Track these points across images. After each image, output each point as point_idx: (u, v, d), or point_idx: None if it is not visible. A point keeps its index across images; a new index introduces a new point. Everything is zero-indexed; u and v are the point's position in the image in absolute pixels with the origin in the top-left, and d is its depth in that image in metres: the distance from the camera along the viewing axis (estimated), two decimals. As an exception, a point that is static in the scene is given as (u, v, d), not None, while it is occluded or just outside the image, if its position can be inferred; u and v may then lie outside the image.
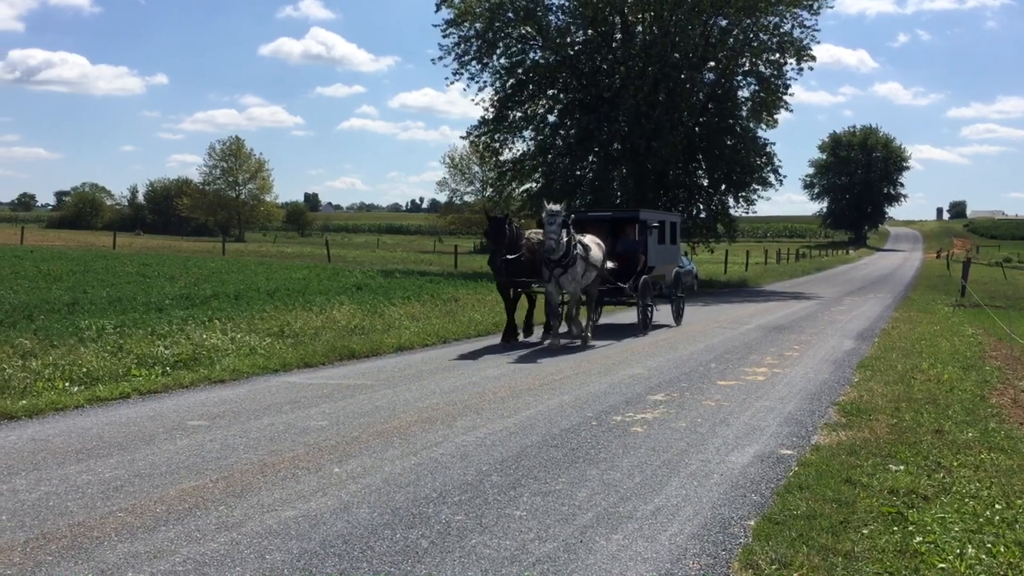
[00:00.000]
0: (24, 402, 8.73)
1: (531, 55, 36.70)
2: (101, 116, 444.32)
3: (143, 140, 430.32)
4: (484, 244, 14.58)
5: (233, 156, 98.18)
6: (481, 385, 10.61)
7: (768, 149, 36.77)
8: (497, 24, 35.23)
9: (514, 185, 38.88)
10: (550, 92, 37.48)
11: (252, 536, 5.21)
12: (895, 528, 5.52)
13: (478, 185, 75.57)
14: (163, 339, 12.45)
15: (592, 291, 15.89)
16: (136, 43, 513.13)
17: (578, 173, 36.51)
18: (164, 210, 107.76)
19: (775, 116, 37.27)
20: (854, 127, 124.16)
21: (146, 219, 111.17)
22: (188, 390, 9.97)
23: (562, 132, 37.07)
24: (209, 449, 7.23)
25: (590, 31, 36.02)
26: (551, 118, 37.73)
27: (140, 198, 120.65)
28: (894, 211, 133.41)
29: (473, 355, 13.35)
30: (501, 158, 38.59)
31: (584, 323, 15.57)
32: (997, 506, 5.99)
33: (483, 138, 37.47)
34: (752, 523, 5.63)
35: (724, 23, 35.64)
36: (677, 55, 33.87)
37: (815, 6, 35.36)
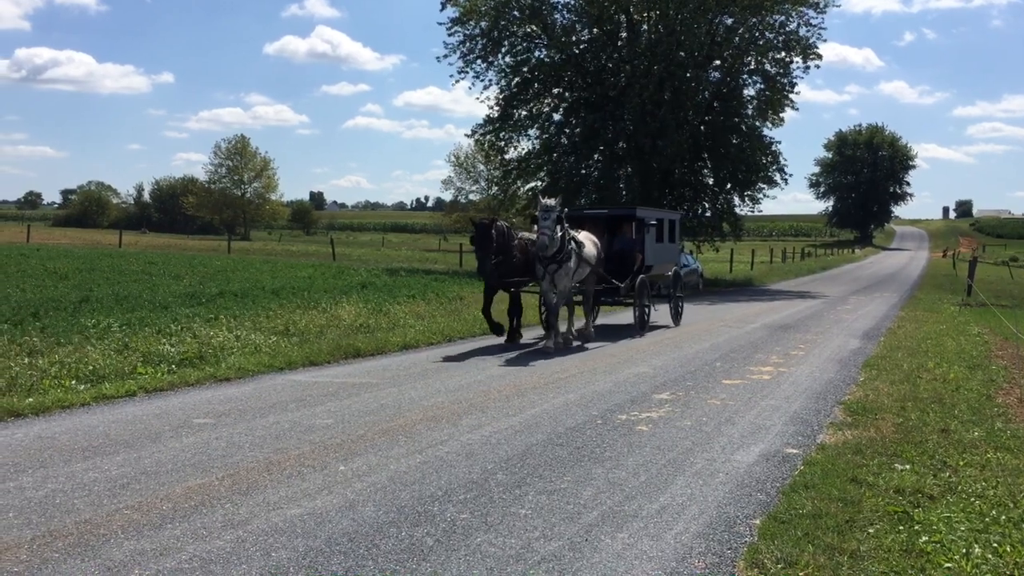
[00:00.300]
0: (31, 400, 8.75)
1: (536, 53, 36.65)
2: (107, 115, 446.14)
3: (149, 139, 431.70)
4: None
5: (239, 155, 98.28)
6: (486, 384, 10.61)
7: (774, 148, 36.69)
8: (502, 22, 35.19)
9: (519, 184, 38.83)
10: (555, 91, 37.45)
11: (258, 534, 5.22)
12: (901, 527, 5.51)
13: (483, 184, 75.42)
14: (169, 337, 12.47)
15: (588, 290, 15.63)
16: (142, 42, 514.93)
17: (583, 172, 36.43)
18: (170, 208, 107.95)
19: (781, 115, 37.21)
20: (860, 126, 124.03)
21: (152, 217, 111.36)
22: (194, 388, 9.99)
23: (567, 131, 37.02)
24: (215, 447, 7.24)
25: (595, 29, 35.97)
26: (556, 117, 37.70)
27: (146, 196, 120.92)
28: (900, 210, 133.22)
29: (478, 353, 13.36)
30: (506, 157, 38.58)
31: (571, 324, 15.25)
32: (1003, 505, 5.97)
33: (488, 137, 37.44)
34: (758, 522, 5.62)
35: (730, 21, 35.55)
36: (683, 53, 33.79)
37: (821, 4, 35.29)
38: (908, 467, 6.88)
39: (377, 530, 5.33)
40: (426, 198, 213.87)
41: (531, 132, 37.59)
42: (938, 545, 5.21)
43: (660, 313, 18.80)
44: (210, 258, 36.73)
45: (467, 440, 7.62)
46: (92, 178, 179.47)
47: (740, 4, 33.82)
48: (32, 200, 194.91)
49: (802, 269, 50.66)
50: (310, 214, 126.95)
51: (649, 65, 33.65)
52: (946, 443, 7.76)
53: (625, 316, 18.46)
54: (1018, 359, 13.43)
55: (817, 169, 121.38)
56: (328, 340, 13.33)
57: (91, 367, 10.33)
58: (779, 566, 4.87)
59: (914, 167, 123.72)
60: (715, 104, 36.27)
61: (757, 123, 37.26)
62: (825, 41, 58.09)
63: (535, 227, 14.28)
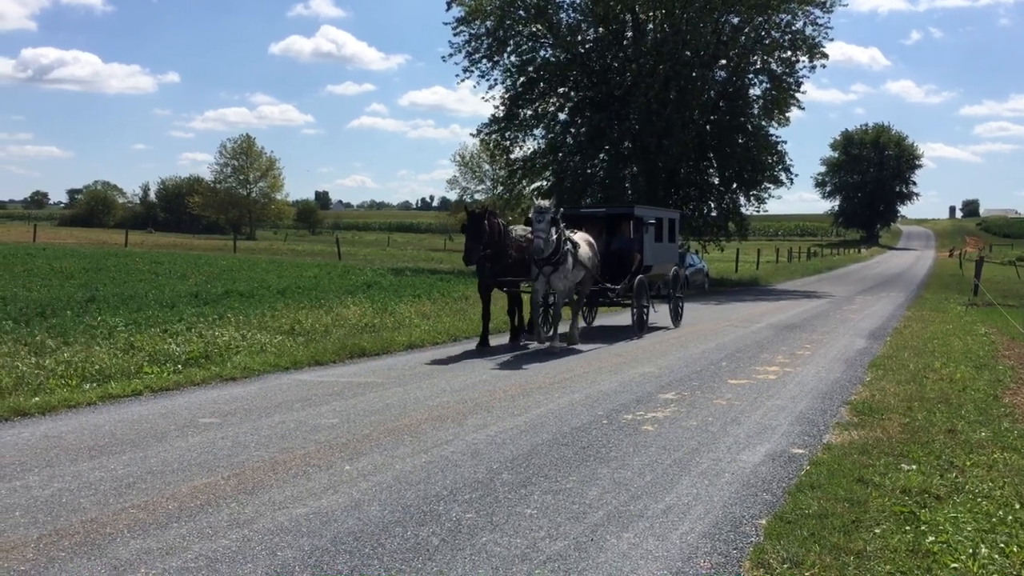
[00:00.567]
0: (37, 399, 8.77)
1: (542, 53, 36.68)
2: (113, 114, 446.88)
3: (155, 138, 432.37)
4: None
5: (244, 154, 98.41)
6: (491, 383, 10.61)
7: (779, 147, 36.67)
8: (508, 22, 35.20)
9: (524, 183, 38.86)
10: (561, 90, 37.47)
11: (263, 533, 5.23)
12: (907, 528, 5.50)
13: (488, 183, 75.46)
14: (175, 337, 12.50)
15: (583, 291, 15.23)
16: (148, 42, 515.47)
17: (589, 171, 36.41)
18: (176, 208, 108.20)
19: (787, 114, 37.18)
20: (866, 125, 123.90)
21: (158, 217, 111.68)
22: (199, 388, 10.00)
23: (573, 130, 37.03)
24: (221, 446, 7.25)
25: (601, 29, 35.97)
26: (562, 116, 37.72)
27: (152, 196, 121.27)
28: (906, 209, 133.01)
29: (483, 353, 13.36)
30: (511, 156, 38.62)
31: (571, 325, 14.89)
32: (1010, 506, 5.95)
33: (493, 136, 37.46)
34: (764, 522, 5.61)
35: (736, 21, 35.53)
36: (688, 53, 33.79)
37: (828, 4, 35.25)
38: (914, 467, 6.86)
39: (383, 529, 5.33)
40: (431, 198, 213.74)
41: (536, 132, 37.67)
42: (945, 545, 5.19)
43: (660, 314, 18.48)
44: (216, 258, 36.80)
45: (472, 440, 7.62)
46: (98, 178, 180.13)
47: (746, 3, 33.80)
48: (38, 200, 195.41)
49: (808, 269, 50.59)
50: (316, 214, 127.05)
51: (655, 64, 33.64)
52: (953, 443, 7.73)
53: (625, 317, 18.12)
54: (1025, 359, 13.38)
55: (823, 169, 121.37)
56: (334, 340, 13.34)
57: (97, 366, 10.35)
58: (785, 566, 4.86)
59: (920, 166, 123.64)
60: (721, 103, 36.24)
61: (763, 122, 37.23)
62: (832, 40, 57.81)
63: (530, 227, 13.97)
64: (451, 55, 36.37)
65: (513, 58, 36.40)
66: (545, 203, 13.75)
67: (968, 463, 7.05)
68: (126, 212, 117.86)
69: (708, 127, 35.98)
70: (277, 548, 5.00)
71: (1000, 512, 5.81)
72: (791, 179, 37.04)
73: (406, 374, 11.17)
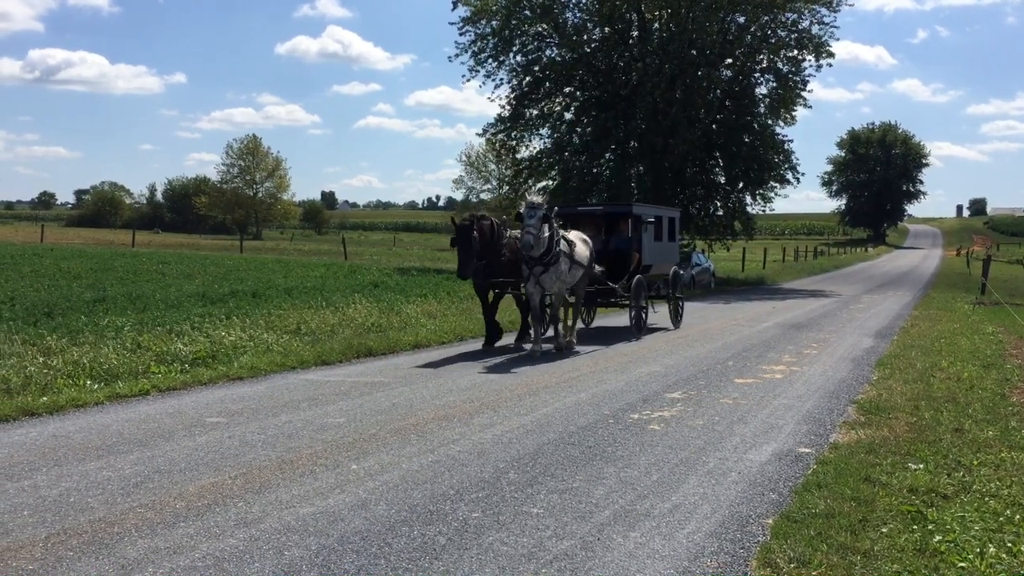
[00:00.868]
0: (45, 399, 8.81)
1: (547, 53, 36.68)
2: (120, 115, 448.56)
3: (161, 139, 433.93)
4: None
5: (250, 154, 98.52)
6: (498, 383, 10.62)
7: (786, 146, 36.59)
8: (513, 22, 35.18)
9: (531, 183, 38.87)
10: (567, 90, 37.46)
11: (271, 532, 5.24)
12: (915, 527, 5.49)
13: (495, 183, 75.40)
14: (182, 337, 12.53)
15: (579, 292, 14.68)
16: (154, 43, 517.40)
17: (595, 171, 36.40)
18: (182, 208, 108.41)
19: (793, 113, 37.10)
20: (873, 124, 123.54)
21: (164, 217, 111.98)
22: (206, 387, 10.02)
23: (579, 130, 37.02)
24: (228, 446, 7.27)
25: (607, 28, 35.96)
26: (568, 116, 37.70)
27: (159, 196, 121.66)
28: (913, 208, 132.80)
29: (489, 353, 13.37)
30: (517, 156, 38.65)
31: (569, 327, 14.41)
32: (1018, 505, 5.93)
33: (499, 136, 37.48)
34: (770, 521, 5.60)
35: (742, 20, 35.48)
36: (694, 52, 33.76)
37: (834, 3, 35.19)
38: (922, 466, 6.85)
39: (389, 529, 5.34)
40: (437, 197, 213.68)
41: (542, 131, 37.68)
42: (952, 544, 5.18)
43: (660, 315, 18.17)
44: (222, 258, 36.86)
45: (479, 439, 7.63)
46: (105, 178, 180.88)
47: (752, 2, 33.77)
48: (46, 200, 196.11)
49: (815, 268, 50.52)
50: (322, 214, 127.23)
51: (661, 64, 33.63)
52: (960, 442, 7.71)
53: (624, 318, 17.64)
54: (1033, 358, 13.34)
55: (830, 167, 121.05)
56: (340, 339, 13.35)
57: (105, 366, 10.38)
58: (792, 565, 4.85)
59: (927, 165, 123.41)
60: (727, 103, 36.20)
61: (769, 121, 37.16)
62: (838, 39, 57.72)
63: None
64: (457, 55, 36.41)
65: (519, 58, 36.45)
66: (537, 199, 13.23)
67: (975, 462, 7.03)
68: (133, 212, 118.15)
69: (714, 126, 35.94)
70: (284, 547, 5.01)
71: (1008, 511, 5.79)
72: (797, 178, 36.99)
73: (412, 374, 11.18)
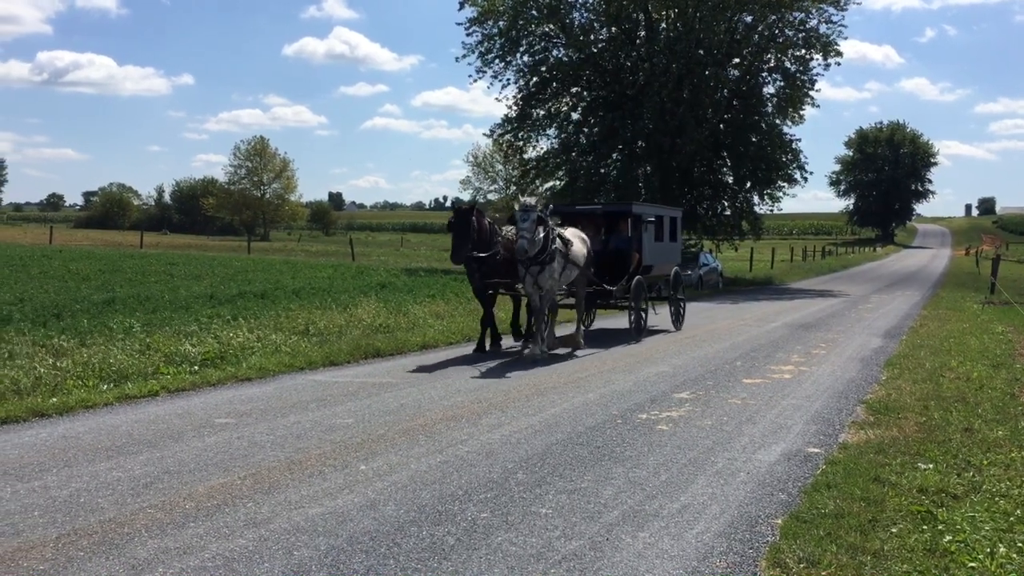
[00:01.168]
0: (55, 400, 8.84)
1: (554, 53, 36.65)
2: (128, 117, 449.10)
3: (169, 140, 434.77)
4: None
5: (258, 156, 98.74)
6: (506, 383, 10.62)
7: (794, 146, 36.51)
8: (520, 22, 35.17)
9: (538, 183, 38.86)
10: (574, 90, 37.45)
11: (280, 533, 5.25)
12: (924, 527, 5.47)
13: (501, 183, 75.43)
14: (190, 338, 12.55)
15: (579, 292, 14.36)
16: (162, 44, 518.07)
17: (602, 171, 36.36)
18: (190, 210, 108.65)
19: (801, 112, 37.00)
20: (881, 123, 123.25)
21: (172, 219, 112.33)
22: (215, 388, 10.05)
23: (586, 130, 37.00)
24: (237, 447, 7.28)
25: (614, 28, 35.93)
26: (575, 116, 37.68)
27: (166, 198, 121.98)
28: (922, 208, 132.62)
29: (497, 354, 13.36)
30: (525, 156, 38.62)
31: (552, 329, 13.78)
32: (1028, 505, 5.91)
33: (506, 136, 37.45)
34: (779, 521, 5.59)
35: (749, 19, 35.41)
36: (701, 52, 33.71)
37: (842, 2, 35.05)
38: (931, 466, 6.83)
39: (398, 529, 5.35)
40: (444, 198, 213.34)
41: (549, 132, 37.65)
42: (962, 545, 5.17)
43: (661, 316, 17.76)
44: (230, 259, 36.94)
45: (487, 439, 7.63)
46: (113, 180, 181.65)
47: (760, 2, 33.70)
48: (54, 202, 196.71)
49: (823, 268, 50.40)
50: (329, 215, 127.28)
51: (668, 63, 33.59)
52: (970, 442, 7.69)
53: (624, 320, 17.11)
54: (1043, 357, 13.29)
55: (838, 167, 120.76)
56: (348, 340, 13.37)
57: (114, 367, 10.41)
58: (801, 566, 4.84)
59: (936, 164, 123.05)
60: (734, 102, 36.13)
61: (777, 121, 37.06)
62: (846, 38, 57.61)
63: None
64: (464, 55, 36.39)
65: (526, 58, 36.42)
66: (531, 200, 12.96)
67: (985, 462, 7.01)
68: (141, 214, 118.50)
69: (722, 126, 35.87)
70: (294, 547, 5.02)
71: (1018, 511, 5.77)
72: (805, 178, 36.93)
73: (420, 374, 11.19)
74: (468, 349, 13.73)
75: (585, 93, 37.31)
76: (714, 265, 32.69)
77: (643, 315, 15.79)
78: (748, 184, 36.89)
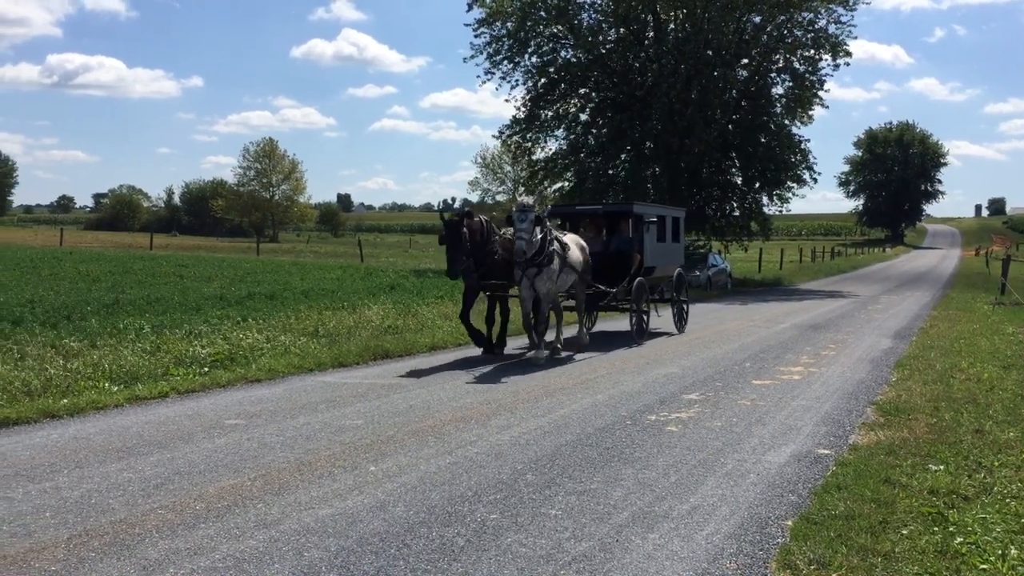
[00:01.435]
0: (66, 401, 8.87)
1: (563, 54, 36.63)
2: (137, 119, 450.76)
3: (178, 142, 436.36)
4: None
5: (267, 157, 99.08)
6: (515, 384, 10.62)
7: (802, 146, 36.42)
8: (529, 23, 35.15)
9: (546, 184, 38.84)
10: (582, 91, 37.41)
11: (290, 534, 5.26)
12: (935, 529, 5.45)
13: (510, 185, 75.54)
14: (200, 339, 12.59)
15: (579, 295, 14.10)
16: (171, 47, 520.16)
17: (610, 172, 36.33)
18: (199, 211, 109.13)
19: (810, 112, 36.91)
20: (890, 123, 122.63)
21: (182, 220, 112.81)
22: (225, 389, 10.07)
23: (594, 131, 36.95)
24: (247, 448, 7.30)
25: (622, 29, 35.88)
26: (583, 117, 37.65)
27: (176, 199, 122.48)
28: (932, 208, 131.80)
29: (506, 355, 13.36)
30: (533, 157, 38.59)
31: (560, 331, 13.72)
32: (1040, 507, 5.89)
33: (515, 138, 37.46)
34: (790, 523, 5.58)
35: (758, 20, 35.33)
36: (710, 52, 33.64)
37: (851, 2, 34.95)
38: (942, 468, 6.80)
39: (408, 530, 5.35)
40: (453, 199, 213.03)
41: (558, 133, 37.61)
42: (973, 546, 5.15)
43: (665, 319, 17.43)
44: (239, 260, 37.05)
45: (496, 441, 7.63)
46: (123, 182, 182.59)
47: (769, 2, 33.63)
48: (65, 204, 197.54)
49: (832, 268, 50.26)
50: (338, 216, 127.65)
51: (676, 64, 33.53)
52: (981, 444, 7.66)
53: (624, 323, 17.07)
54: (1054, 358, 13.23)
55: (847, 167, 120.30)
56: (357, 341, 13.39)
57: (124, 369, 10.44)
58: (812, 567, 4.83)
59: (945, 165, 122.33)
60: (743, 103, 36.03)
61: (786, 121, 36.97)
62: (855, 39, 57.45)
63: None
64: (472, 57, 36.38)
65: (534, 59, 36.39)
66: (529, 200, 12.76)
67: (996, 463, 6.98)
68: (151, 216, 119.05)
69: (730, 126, 35.77)
70: (304, 548, 5.03)
71: (1030, 513, 5.74)
72: (814, 178, 36.83)
73: (429, 375, 11.20)
74: (477, 351, 13.74)
75: (593, 94, 37.28)
76: (723, 266, 32.65)
77: (645, 317, 15.52)
78: (757, 185, 36.84)
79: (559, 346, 13.40)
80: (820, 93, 36.05)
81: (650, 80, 34.53)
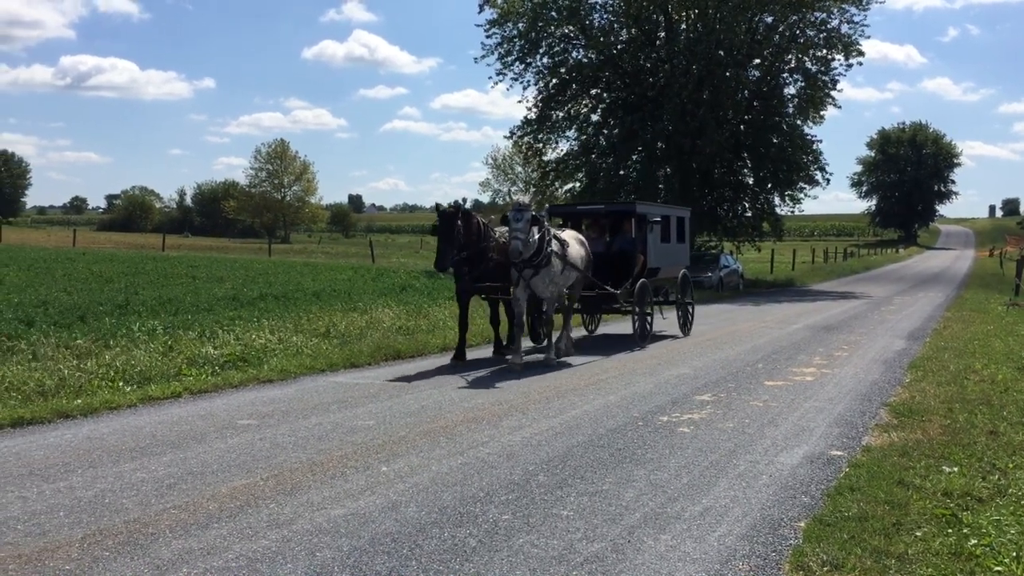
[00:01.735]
0: (79, 401, 8.92)
1: (574, 54, 36.56)
2: (150, 120, 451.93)
3: (191, 143, 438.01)
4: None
5: (278, 158, 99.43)
6: (526, 385, 10.62)
7: (815, 146, 36.31)
8: (540, 24, 35.09)
9: (557, 185, 38.81)
10: (593, 91, 37.34)
11: (302, 534, 5.27)
12: (949, 530, 5.42)
13: (521, 185, 75.43)
14: (212, 340, 12.63)
15: (574, 295, 13.69)
16: (184, 49, 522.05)
17: (622, 173, 36.27)
18: (211, 212, 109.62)
19: (822, 113, 36.79)
20: (903, 124, 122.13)
21: (194, 221, 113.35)
22: (237, 390, 10.10)
23: (605, 132, 36.88)
24: (259, 448, 7.32)
25: (633, 29, 35.81)
26: (594, 117, 37.57)
27: (188, 201, 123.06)
28: (945, 209, 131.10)
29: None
30: (544, 158, 38.54)
31: (561, 335, 13.33)
32: (1055, 509, 5.85)
33: (526, 138, 37.40)
34: (802, 524, 5.56)
35: (770, 20, 35.22)
36: (722, 52, 33.55)
37: (864, 1, 34.80)
38: (956, 469, 6.76)
39: (420, 530, 5.36)
40: (464, 200, 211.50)
41: (569, 133, 37.52)
42: (988, 548, 5.12)
43: (670, 321, 17.16)
44: (251, 261, 37.17)
45: (508, 441, 7.63)
46: (136, 183, 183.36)
47: (781, 2, 33.50)
48: (78, 205, 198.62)
49: (845, 269, 50.07)
50: (349, 217, 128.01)
51: (688, 64, 33.46)
52: (995, 445, 7.61)
53: (627, 325, 16.60)
54: (1069, 360, 13.14)
55: (859, 168, 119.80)
56: (369, 342, 13.41)
57: (137, 369, 10.50)
58: (825, 569, 4.81)
59: (959, 165, 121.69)
60: (755, 103, 35.91)
61: (798, 121, 36.85)
62: (867, 38, 57.18)
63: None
64: (483, 57, 36.35)
65: (545, 60, 36.33)
66: (525, 199, 12.25)
67: (1011, 465, 6.94)
68: (163, 217, 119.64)
69: (742, 127, 35.67)
70: (316, 549, 5.04)
71: (1045, 515, 5.71)
72: (827, 178, 36.67)
73: (441, 376, 11.21)
74: (488, 351, 13.75)
75: (605, 95, 37.22)
76: (734, 267, 32.59)
77: (648, 320, 15.25)
78: (769, 185, 36.73)
79: (562, 348, 13.10)
80: (832, 93, 35.93)
81: (662, 80, 34.47)
